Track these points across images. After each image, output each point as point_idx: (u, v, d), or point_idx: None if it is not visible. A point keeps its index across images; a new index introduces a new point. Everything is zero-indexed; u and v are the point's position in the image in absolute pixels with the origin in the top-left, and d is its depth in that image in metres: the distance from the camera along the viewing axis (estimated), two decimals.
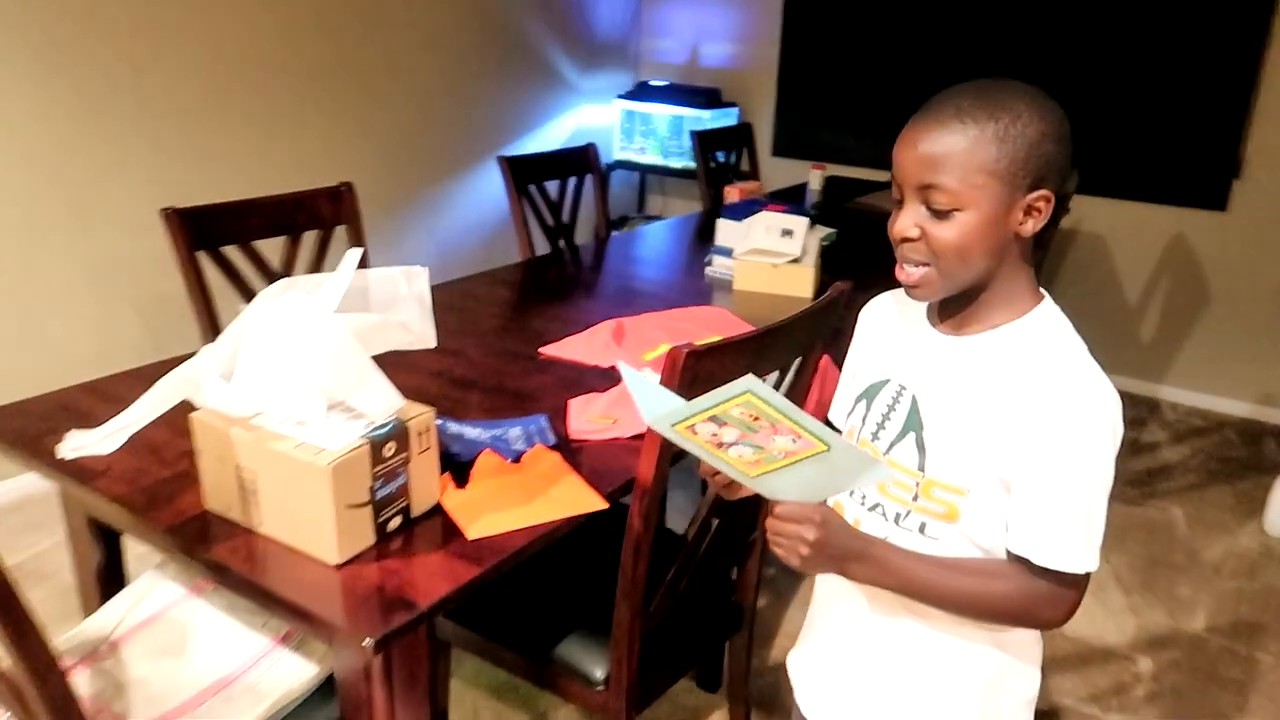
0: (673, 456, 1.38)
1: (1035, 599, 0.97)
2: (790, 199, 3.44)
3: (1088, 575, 0.96)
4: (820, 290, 2.38)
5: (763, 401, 0.82)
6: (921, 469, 1.00)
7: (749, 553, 1.76)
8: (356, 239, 2.30)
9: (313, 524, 1.17)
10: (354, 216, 2.29)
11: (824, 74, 4.43)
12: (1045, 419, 0.93)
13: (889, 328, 1.12)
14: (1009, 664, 1.07)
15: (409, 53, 3.69)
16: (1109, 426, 0.93)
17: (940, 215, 0.93)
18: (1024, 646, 1.08)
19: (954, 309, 1.01)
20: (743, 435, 0.87)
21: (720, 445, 0.89)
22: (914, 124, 0.94)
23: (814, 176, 3.79)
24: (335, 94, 3.43)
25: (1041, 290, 1.01)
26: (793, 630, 2.38)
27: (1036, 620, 1.00)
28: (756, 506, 1.70)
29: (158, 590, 1.48)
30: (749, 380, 0.82)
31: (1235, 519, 3.05)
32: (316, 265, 2.22)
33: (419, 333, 1.29)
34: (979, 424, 0.97)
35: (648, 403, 0.93)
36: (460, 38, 3.91)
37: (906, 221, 0.96)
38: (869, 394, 1.08)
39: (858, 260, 2.73)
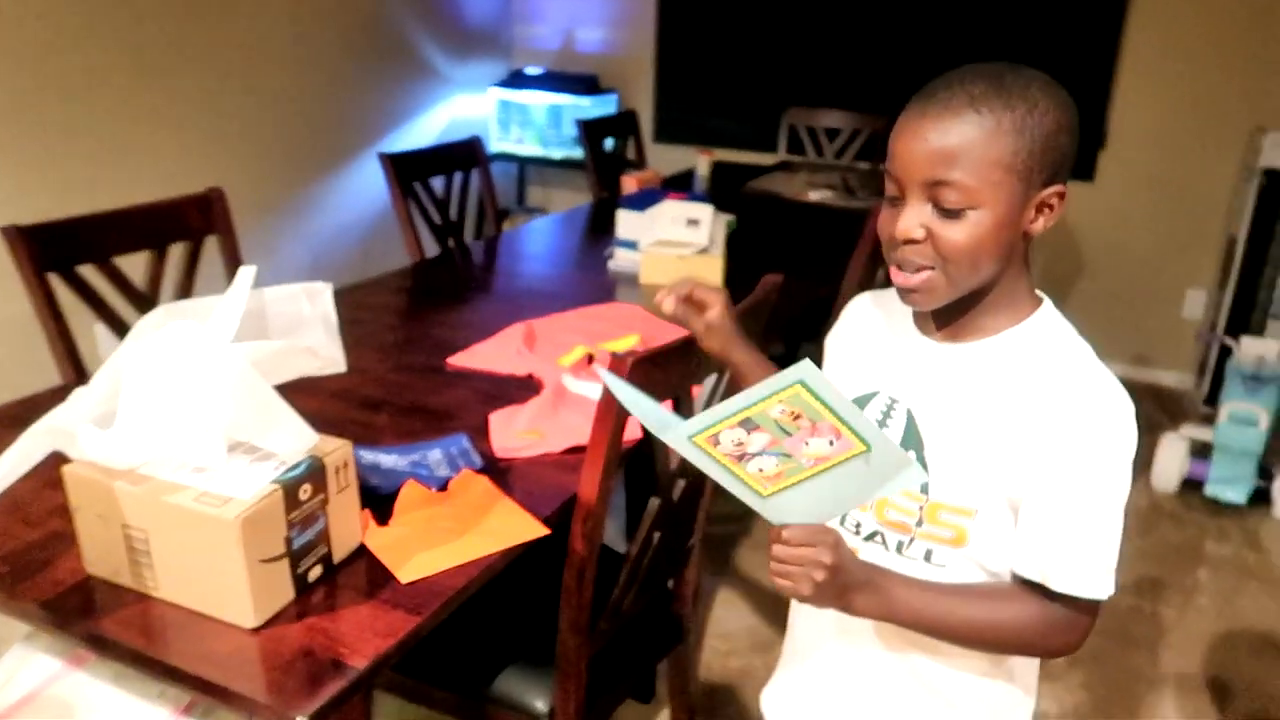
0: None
1: (1049, 626, 0.89)
2: (679, 186, 3.38)
3: (1101, 603, 0.89)
4: (730, 280, 2.32)
5: (812, 395, 0.72)
6: (925, 491, 0.92)
7: (686, 561, 1.68)
8: (230, 249, 2.10)
9: (221, 584, 1.02)
10: (226, 225, 2.08)
11: (703, 57, 4.38)
12: (1058, 433, 0.86)
13: (872, 334, 1.02)
14: (1015, 694, 1.02)
15: (268, 46, 3.44)
16: (1127, 437, 0.86)
17: (950, 215, 0.84)
18: (1028, 674, 1.02)
19: (951, 315, 0.92)
20: (773, 442, 0.77)
21: (743, 457, 0.79)
22: (920, 112, 0.84)
23: (701, 162, 3.73)
24: (193, 93, 3.16)
25: (1039, 293, 0.94)
26: (721, 630, 2.33)
27: (1048, 649, 0.92)
28: (694, 514, 1.63)
29: (30, 665, 1.28)
30: (804, 368, 0.71)
31: None
32: (187, 281, 2.01)
33: (327, 357, 1.15)
34: (985, 439, 0.89)
35: (648, 414, 0.82)
36: (323, 29, 3.67)
37: (911, 221, 0.86)
38: None
39: (762, 247, 2.69)
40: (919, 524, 0.93)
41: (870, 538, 0.97)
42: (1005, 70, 0.84)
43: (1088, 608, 0.89)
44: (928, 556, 0.94)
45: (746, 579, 2.54)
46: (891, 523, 0.95)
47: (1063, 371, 0.89)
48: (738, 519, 2.77)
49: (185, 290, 2.00)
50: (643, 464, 1.43)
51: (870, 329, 1.03)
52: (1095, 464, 0.86)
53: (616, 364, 1.13)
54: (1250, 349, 3.05)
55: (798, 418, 0.75)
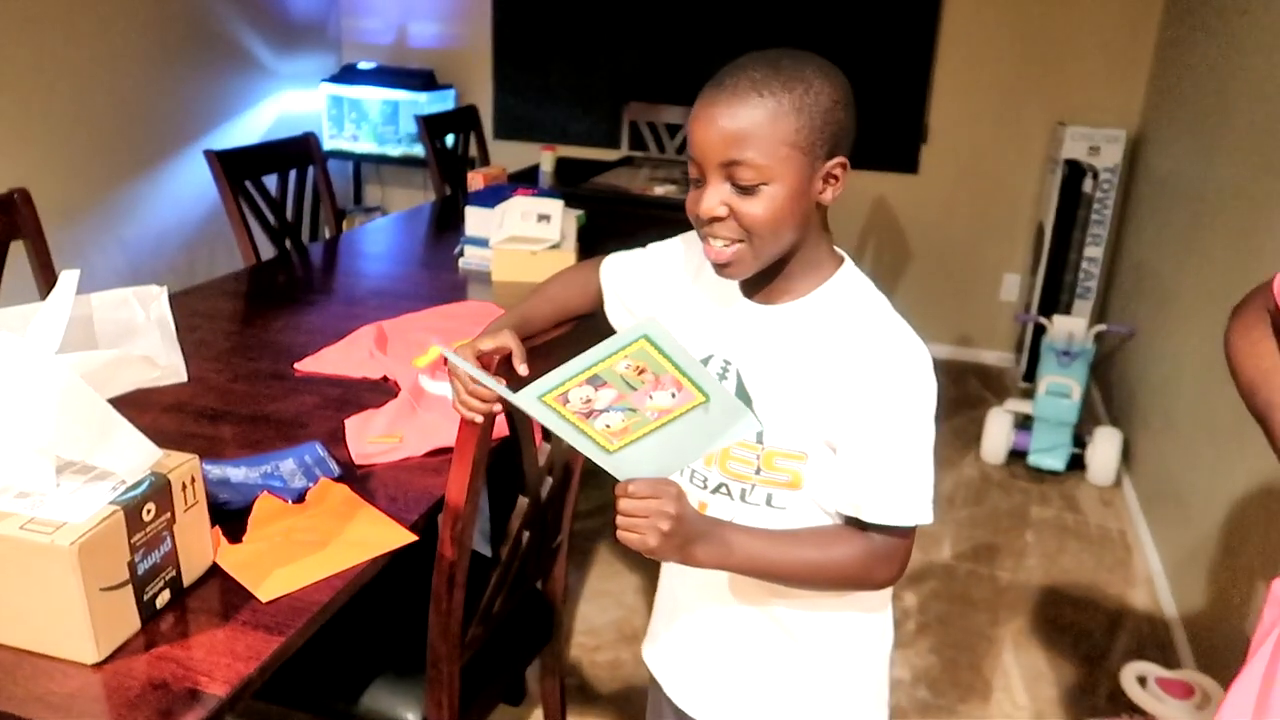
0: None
1: (871, 558, 0.98)
2: (524, 182, 3.34)
3: (914, 529, 0.98)
4: None
5: (656, 349, 0.76)
6: (760, 441, 0.99)
7: (555, 560, 1.66)
8: (41, 256, 1.92)
9: (57, 618, 0.94)
10: (34, 229, 1.91)
11: (541, 52, 4.36)
12: (860, 381, 0.95)
13: (705, 298, 1.08)
14: (872, 623, 1.10)
15: (75, 37, 3.17)
16: (923, 381, 0.96)
17: (747, 191, 0.92)
18: (880, 606, 1.10)
19: (762, 281, 1.01)
20: (620, 397, 0.81)
21: (591, 414, 0.82)
22: (710, 100, 0.91)
23: (545, 158, 3.72)
24: None
25: (840, 252, 1.03)
26: (587, 626, 2.33)
27: (874, 580, 1.01)
28: (562, 512, 1.61)
29: None
30: (649, 323, 0.75)
31: (956, 452, 3.37)
32: None
33: (167, 365, 1.07)
34: (802, 391, 0.97)
35: (495, 383, 0.87)
36: (134, 18, 3.43)
37: (713, 200, 0.93)
38: None
39: (611, 241, 2.69)
40: (758, 471, 1.00)
41: (716, 489, 1.04)
42: (783, 55, 0.92)
43: (901, 534, 0.98)
44: (769, 500, 1.01)
45: (609, 574, 2.54)
46: (734, 473, 1.02)
47: (863, 327, 0.98)
48: (598, 513, 2.77)
49: None
50: (504, 466, 1.41)
51: (703, 293, 1.08)
52: (894, 405, 0.95)
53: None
54: (1061, 327, 3.30)
55: (642, 372, 0.79)
